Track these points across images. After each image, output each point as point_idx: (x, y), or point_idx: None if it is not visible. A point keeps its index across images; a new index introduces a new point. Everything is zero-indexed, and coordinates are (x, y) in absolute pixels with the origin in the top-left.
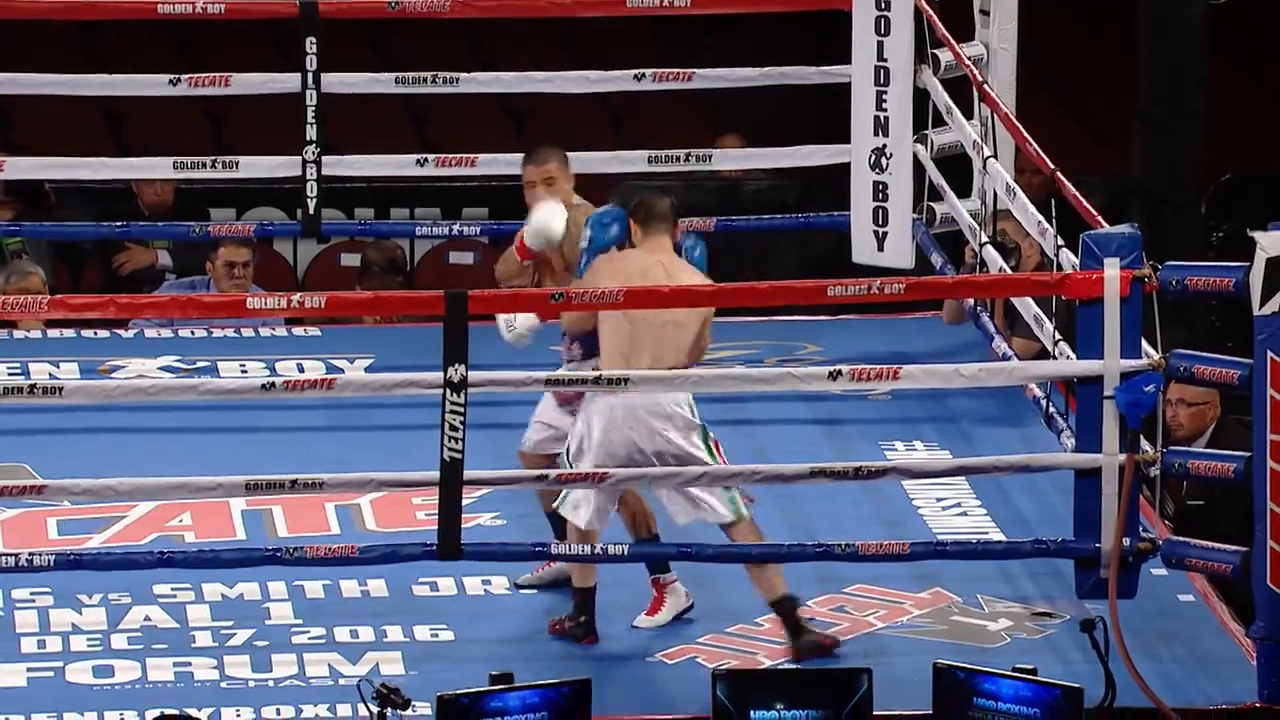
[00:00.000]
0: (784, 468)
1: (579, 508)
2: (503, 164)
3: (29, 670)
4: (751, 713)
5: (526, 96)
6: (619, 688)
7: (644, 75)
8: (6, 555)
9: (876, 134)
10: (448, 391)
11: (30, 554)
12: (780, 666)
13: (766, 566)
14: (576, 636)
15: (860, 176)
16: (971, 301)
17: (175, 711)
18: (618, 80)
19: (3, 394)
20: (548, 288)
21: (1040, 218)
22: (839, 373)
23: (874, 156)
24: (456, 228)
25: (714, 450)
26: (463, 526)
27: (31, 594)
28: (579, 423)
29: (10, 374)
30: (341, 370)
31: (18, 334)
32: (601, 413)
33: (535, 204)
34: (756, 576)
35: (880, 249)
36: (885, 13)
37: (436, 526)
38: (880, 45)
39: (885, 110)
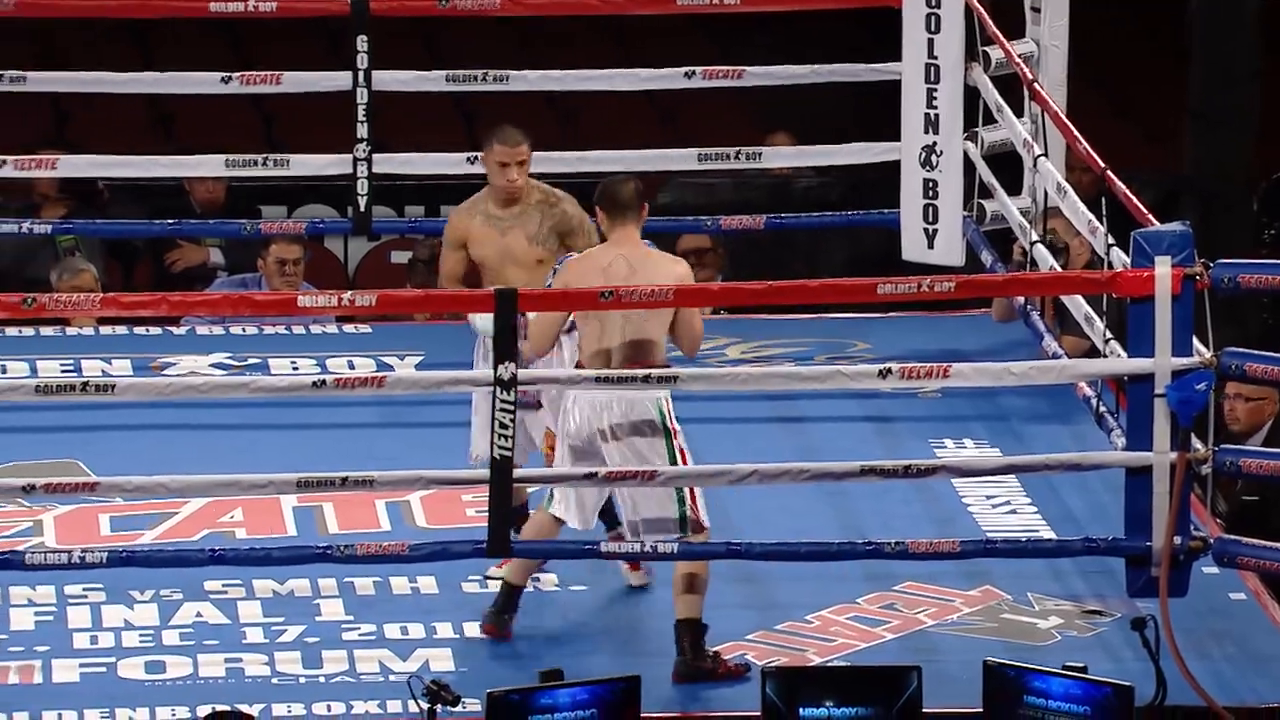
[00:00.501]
0: (834, 465)
1: (568, 509)
2: (552, 162)
3: (81, 666)
4: (801, 710)
5: (576, 94)
6: (668, 685)
7: (694, 73)
8: (59, 551)
9: (927, 131)
10: (498, 389)
11: (83, 550)
12: (830, 664)
13: (697, 589)
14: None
15: (910, 174)
16: (1021, 300)
17: (227, 708)
18: (667, 78)
19: (56, 391)
20: (596, 286)
21: (1091, 216)
22: (889, 370)
23: (924, 154)
24: None
25: (679, 459)
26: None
27: (84, 590)
28: (560, 419)
29: (63, 371)
30: (392, 367)
31: (70, 331)
32: (579, 405)
33: (502, 183)
34: (684, 593)
35: (930, 246)
36: (936, 10)
37: (486, 524)
38: (931, 43)
39: (935, 108)
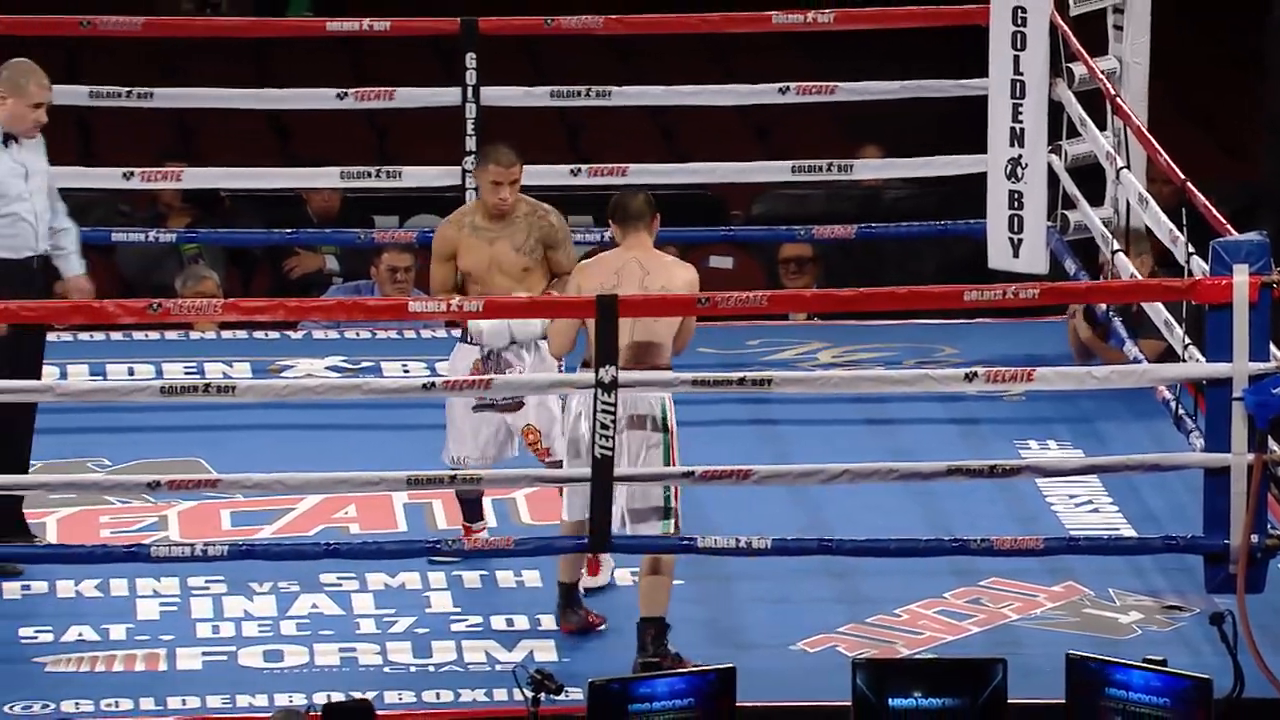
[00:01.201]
0: (922, 466)
1: (571, 502)
2: (653, 174)
3: (204, 654)
4: (890, 700)
5: (676, 109)
6: (762, 675)
7: (788, 89)
8: (183, 545)
9: (1012, 144)
10: (599, 391)
11: (205, 544)
12: (918, 656)
13: (663, 582)
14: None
15: (996, 185)
16: (1104, 307)
17: (343, 697)
18: (763, 93)
19: (180, 392)
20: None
21: (1171, 226)
22: (975, 374)
23: (1010, 166)
24: (608, 235)
25: (672, 459)
26: (613, 520)
27: (206, 582)
28: (569, 416)
29: (187, 373)
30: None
31: (194, 335)
32: (582, 396)
33: (494, 200)
34: (650, 587)
35: (1015, 255)
36: (1021, 28)
37: (588, 519)
38: (1017, 59)
39: (1021, 122)
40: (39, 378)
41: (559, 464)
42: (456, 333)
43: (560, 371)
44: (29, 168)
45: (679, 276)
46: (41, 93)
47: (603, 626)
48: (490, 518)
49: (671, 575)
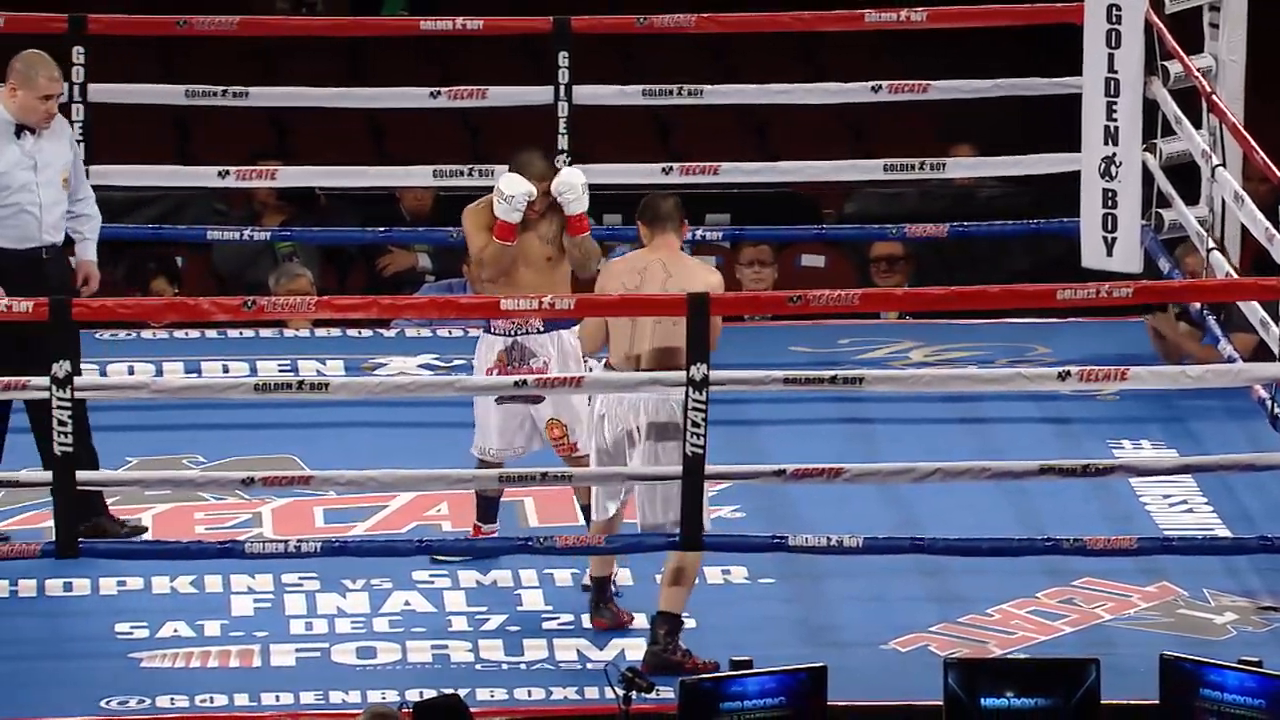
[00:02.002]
0: (1015, 465)
1: (598, 504)
2: (744, 172)
3: (297, 650)
4: (982, 700)
5: (767, 107)
6: (853, 674)
7: (881, 87)
8: (277, 542)
9: (1106, 143)
10: (690, 389)
11: (299, 541)
12: (1010, 656)
13: (683, 585)
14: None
15: (1090, 184)
16: (1198, 306)
17: (433, 693)
18: (855, 92)
19: (274, 390)
20: (773, 291)
21: (1268, 224)
22: (1068, 373)
23: (1104, 165)
24: (699, 233)
25: None
26: (705, 518)
27: (300, 579)
28: (593, 411)
29: (280, 371)
30: (590, 368)
31: (288, 333)
32: (604, 400)
33: (527, 213)
34: (671, 585)
35: (1109, 254)
36: (1116, 26)
37: (680, 517)
38: (1111, 58)
39: (1115, 120)
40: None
41: (585, 459)
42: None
43: (586, 362)
44: (40, 160)
45: (702, 280)
46: (51, 85)
47: (633, 624)
48: (580, 515)
49: (694, 583)
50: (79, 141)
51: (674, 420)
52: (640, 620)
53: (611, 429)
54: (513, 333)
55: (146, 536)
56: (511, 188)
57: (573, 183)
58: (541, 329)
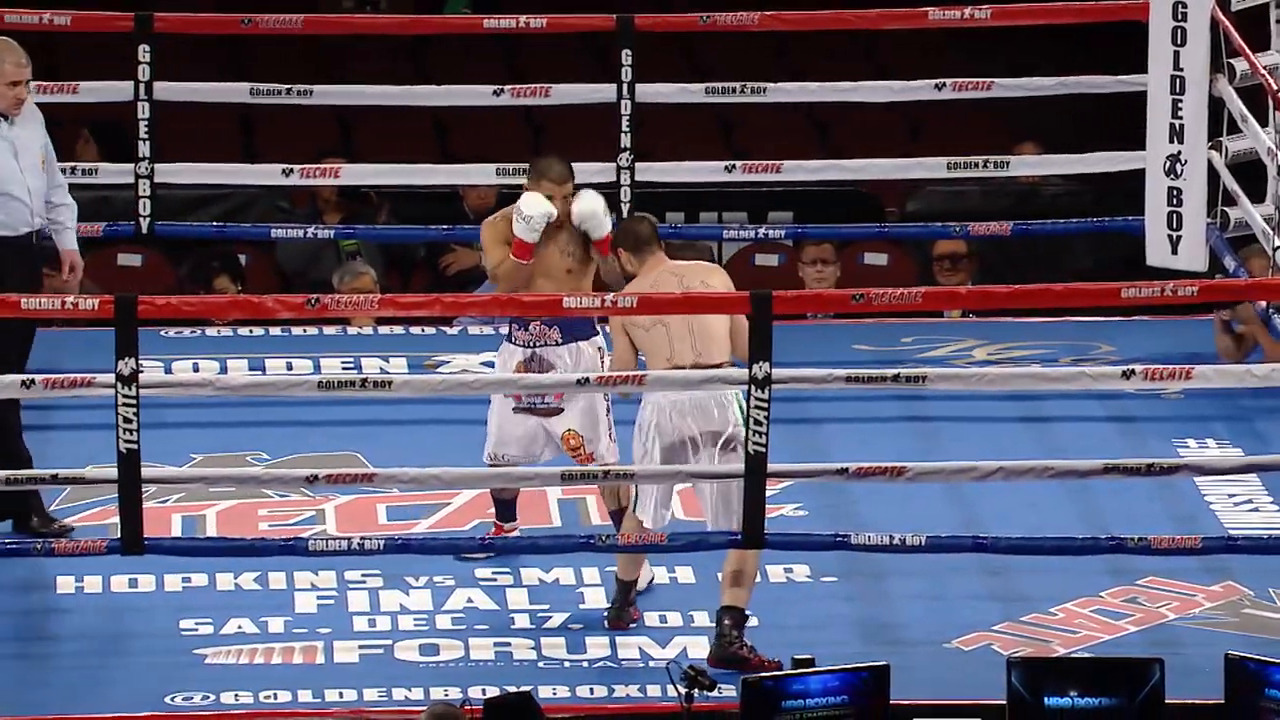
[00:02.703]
0: (1078, 464)
1: (646, 509)
2: (807, 170)
3: (360, 648)
4: (1046, 699)
5: (830, 105)
6: (916, 673)
7: (944, 85)
8: (340, 539)
9: (1171, 141)
10: (753, 388)
11: (362, 538)
12: (1074, 655)
13: (744, 583)
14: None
15: (1155, 182)
16: (1263, 305)
17: (497, 691)
18: (919, 90)
19: (337, 387)
20: (836, 290)
21: None
22: (1132, 372)
23: (1169, 163)
24: (762, 231)
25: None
26: (767, 516)
27: (363, 576)
28: (640, 421)
29: (344, 368)
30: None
31: (351, 331)
32: (654, 408)
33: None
34: (733, 585)
35: (1174, 252)
36: (1182, 23)
37: (741, 516)
38: (1176, 55)
39: (1180, 118)
40: (22, 369)
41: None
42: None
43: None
44: (18, 145)
45: (715, 276)
46: (18, 70)
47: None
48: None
49: (755, 579)
50: (143, 139)
51: (727, 430)
52: (701, 617)
53: (663, 438)
54: (532, 344)
55: (210, 532)
56: (531, 208)
57: (594, 210)
58: (560, 341)
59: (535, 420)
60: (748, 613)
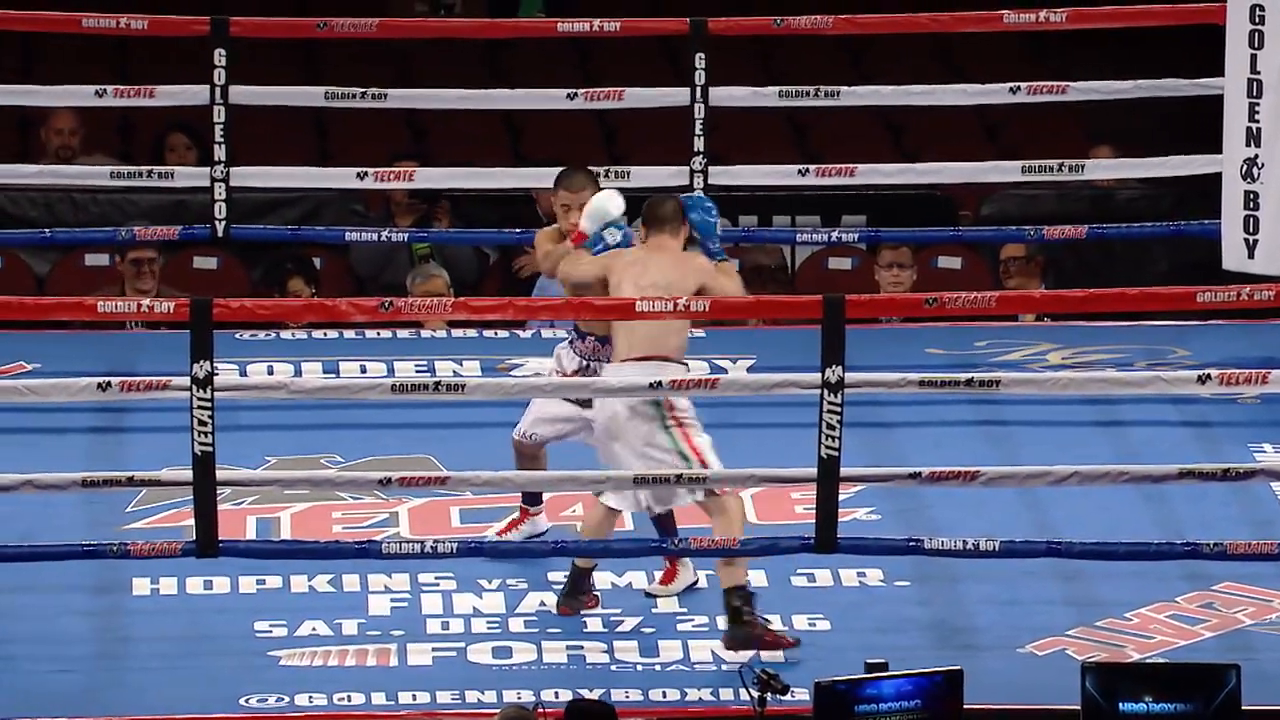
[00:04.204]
0: (1153, 468)
1: (620, 498)
2: (881, 174)
3: (434, 650)
4: (1121, 705)
5: (903, 108)
6: (990, 677)
7: (1019, 88)
8: (413, 542)
9: (1248, 144)
10: (825, 392)
11: (435, 541)
12: (1149, 660)
13: (735, 560)
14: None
15: (1231, 186)
16: None
17: (578, 693)
18: (994, 93)
19: (411, 390)
20: (909, 293)
21: None
22: (1208, 376)
23: (1245, 166)
24: (835, 235)
25: (678, 433)
26: (839, 521)
27: (436, 579)
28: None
29: (417, 371)
30: (724, 370)
31: (424, 334)
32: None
33: (566, 225)
34: (725, 566)
35: (1250, 256)
36: (1259, 27)
37: (814, 520)
38: (1253, 58)
39: (1257, 121)
40: None
41: None
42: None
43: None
44: None
45: (685, 272)
46: None
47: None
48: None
49: (746, 561)
50: (219, 143)
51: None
52: (775, 621)
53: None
54: (588, 357)
55: (285, 534)
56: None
57: (596, 205)
58: (610, 359)
59: (573, 408)
60: (750, 588)
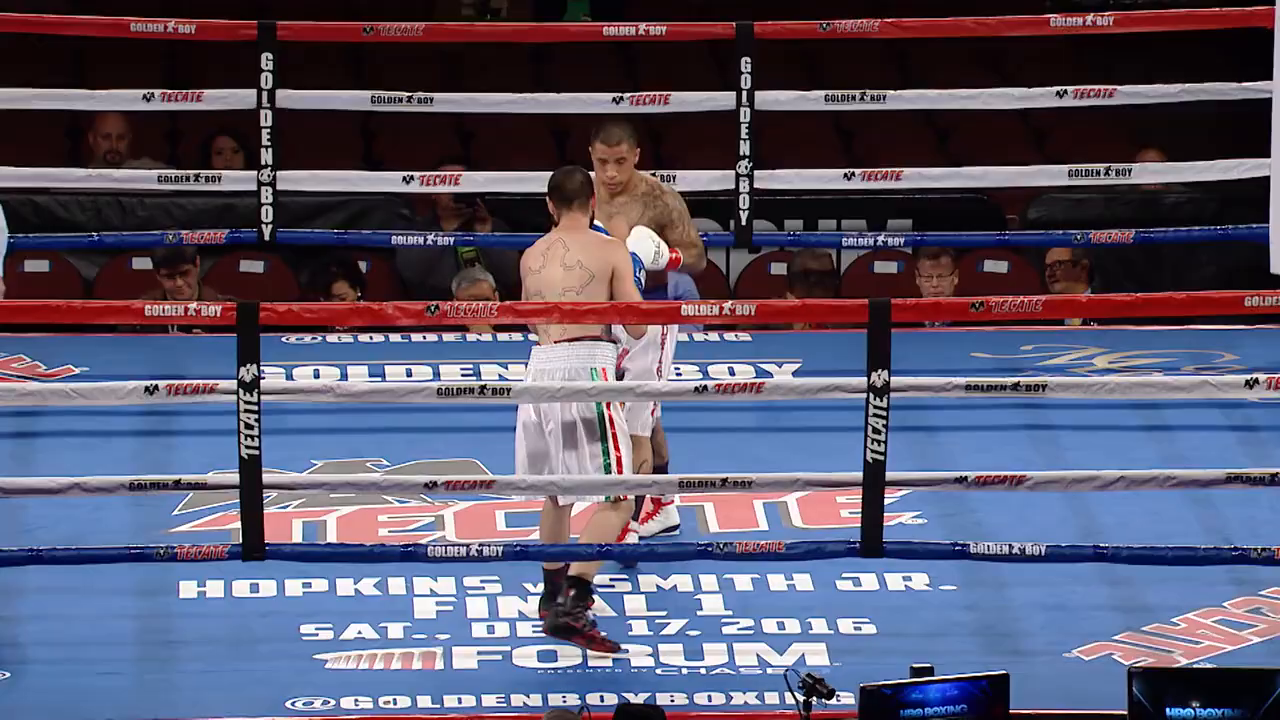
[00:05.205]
0: (1201, 473)
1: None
2: (927, 178)
3: (479, 653)
4: (1168, 710)
5: (949, 112)
6: (1036, 683)
7: (1065, 92)
8: (459, 545)
9: None
10: (871, 395)
11: (480, 544)
12: (1197, 665)
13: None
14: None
15: (1279, 189)
16: None
17: (623, 696)
18: (1040, 97)
19: (456, 394)
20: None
21: None
22: (1255, 381)
23: None
24: (881, 238)
25: (614, 466)
26: (885, 525)
27: (481, 582)
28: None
29: (463, 375)
30: (770, 374)
31: (470, 337)
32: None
33: (603, 178)
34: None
35: None
36: None
37: (860, 524)
38: None
39: None
40: None
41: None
42: (729, 336)
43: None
44: None
45: (600, 255)
46: None
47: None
48: (762, 521)
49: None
50: (266, 147)
51: (588, 417)
52: (820, 625)
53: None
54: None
55: (331, 538)
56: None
57: (636, 237)
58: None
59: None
60: (592, 587)
